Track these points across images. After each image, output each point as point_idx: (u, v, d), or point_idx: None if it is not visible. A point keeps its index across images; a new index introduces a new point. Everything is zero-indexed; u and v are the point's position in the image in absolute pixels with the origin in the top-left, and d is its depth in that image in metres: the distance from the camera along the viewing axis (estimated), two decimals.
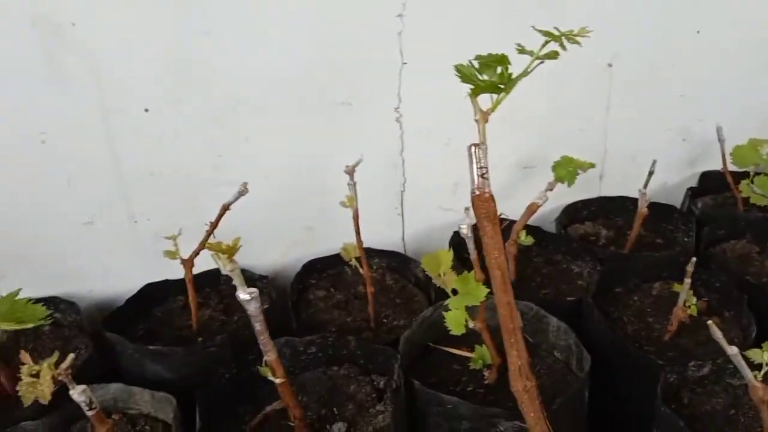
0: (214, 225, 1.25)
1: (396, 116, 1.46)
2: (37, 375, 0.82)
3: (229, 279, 1.48)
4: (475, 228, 1.11)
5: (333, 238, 1.54)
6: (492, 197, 0.80)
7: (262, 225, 1.46)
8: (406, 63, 1.41)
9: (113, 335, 1.24)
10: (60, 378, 0.83)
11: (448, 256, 1.12)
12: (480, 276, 1.11)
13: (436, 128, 1.50)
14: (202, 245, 1.30)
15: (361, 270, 1.34)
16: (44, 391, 0.81)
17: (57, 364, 0.84)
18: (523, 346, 0.79)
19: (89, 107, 1.25)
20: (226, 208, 1.22)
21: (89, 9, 1.18)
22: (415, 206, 1.58)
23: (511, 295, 0.77)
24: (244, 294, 0.98)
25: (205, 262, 1.30)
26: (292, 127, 1.40)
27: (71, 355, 0.84)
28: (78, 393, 0.87)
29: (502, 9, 1.41)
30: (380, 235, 1.59)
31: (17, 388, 0.82)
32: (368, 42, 1.37)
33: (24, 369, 0.82)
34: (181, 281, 1.42)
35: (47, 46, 1.19)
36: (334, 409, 1.16)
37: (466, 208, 1.11)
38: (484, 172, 0.81)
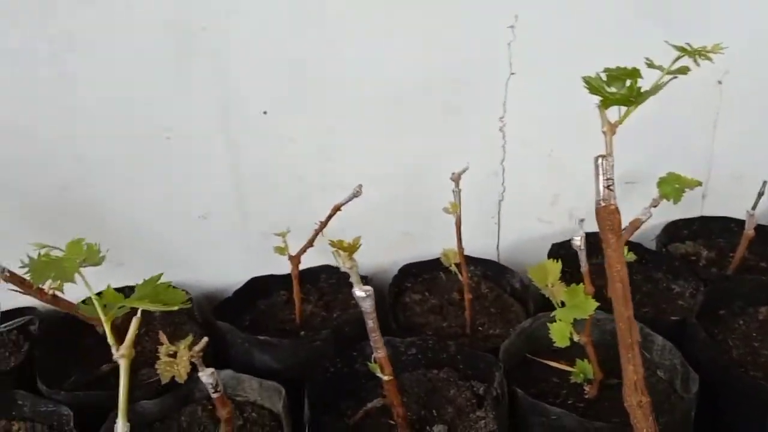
0: (323, 224, 1.30)
1: (500, 125, 1.47)
2: (173, 355, 0.88)
3: (328, 277, 1.55)
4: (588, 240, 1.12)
5: (428, 244, 1.57)
6: (617, 209, 0.80)
7: (362, 227, 1.49)
8: (513, 73, 1.42)
9: (224, 324, 1.30)
10: (192, 360, 0.89)
11: (556, 267, 1.12)
12: (590, 289, 1.11)
13: (539, 139, 1.50)
14: (310, 243, 1.35)
15: (460, 276, 1.36)
16: (180, 370, 0.86)
17: (191, 347, 0.89)
18: (639, 361, 0.79)
19: (213, 108, 1.32)
20: (337, 209, 1.26)
21: (218, 14, 1.25)
22: (512, 216, 1.59)
23: (631, 310, 0.77)
24: (360, 291, 1.01)
25: (307, 260, 1.36)
26: (399, 133, 1.44)
27: (205, 339, 0.90)
28: (207, 375, 0.93)
29: (613, 24, 1.40)
30: (474, 243, 1.59)
31: (156, 367, 0.87)
32: (478, 51, 1.39)
33: (162, 349, 0.88)
34: (285, 276, 1.48)
35: (178, 49, 1.26)
36: (434, 411, 1.18)
37: (581, 220, 1.12)
38: (610, 183, 0.81)
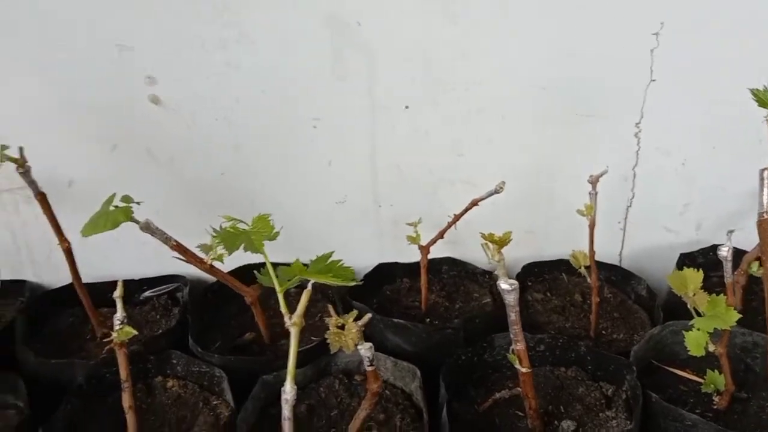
0: (457, 217, 1.35)
1: (635, 131, 1.47)
2: (341, 327, 0.95)
3: (449, 269, 1.59)
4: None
5: (548, 244, 1.60)
6: None
7: (487, 222, 1.53)
8: (654, 80, 1.42)
9: (360, 304, 1.37)
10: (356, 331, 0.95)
11: (696, 276, 1.12)
12: (732, 300, 1.11)
13: (674, 148, 1.49)
14: (441, 235, 1.40)
15: (588, 279, 1.38)
16: (348, 341, 0.93)
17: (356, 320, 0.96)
18: None
19: (359, 100, 1.39)
20: (475, 203, 1.31)
21: (373, 10, 1.32)
22: (638, 223, 1.58)
23: None
24: (505, 284, 1.06)
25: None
26: (532, 133, 1.46)
27: (368, 315, 0.96)
28: (366, 349, 0.99)
29: (758, 41, 1.37)
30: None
31: (326, 337, 0.95)
32: (619, 57, 1.39)
33: (332, 321, 0.95)
34: (409, 265, 1.55)
35: (334, 43, 1.34)
36: (561, 407, 1.21)
37: (730, 231, 1.12)
38: None
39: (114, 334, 1.05)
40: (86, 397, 1.21)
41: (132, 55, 1.31)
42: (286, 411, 0.94)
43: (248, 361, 1.28)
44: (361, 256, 1.57)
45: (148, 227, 1.12)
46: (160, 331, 1.39)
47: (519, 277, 1.54)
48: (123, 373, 1.08)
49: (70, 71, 1.31)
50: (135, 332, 1.05)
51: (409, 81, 1.39)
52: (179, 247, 1.18)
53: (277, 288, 0.96)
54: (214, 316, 1.46)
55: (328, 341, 0.96)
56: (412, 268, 1.55)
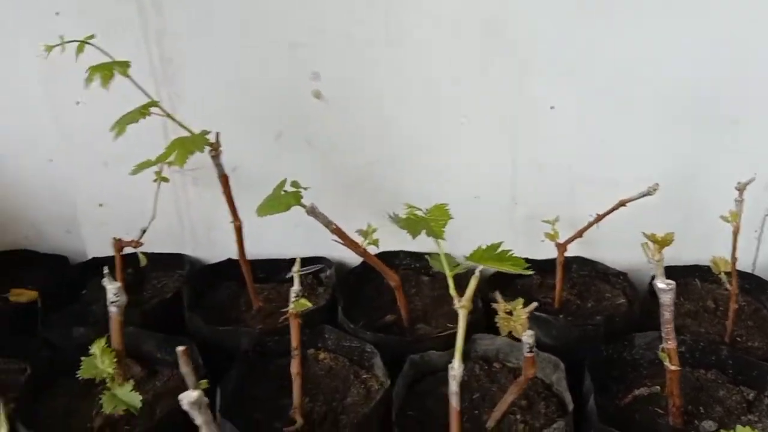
0: (601, 216, 1.39)
1: None
2: (510, 313, 1.02)
3: (578, 268, 1.63)
4: None
5: (685, 250, 1.60)
6: None
7: (618, 223, 1.56)
8: None
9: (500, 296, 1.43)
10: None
11: None
12: None
13: None
14: (580, 233, 1.45)
15: (728, 285, 1.38)
16: (517, 327, 1.00)
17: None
18: None
19: (507, 98, 1.45)
20: (623, 204, 1.34)
21: (523, 13, 1.37)
22: None
23: None
24: (662, 284, 1.10)
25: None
26: (676, 135, 1.48)
27: (534, 303, 1.02)
28: (527, 336, 1.05)
29: None
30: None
31: (495, 321, 1.02)
32: None
33: (500, 307, 1.02)
34: (539, 261, 1.59)
35: (486, 46, 1.40)
36: (701, 408, 1.23)
37: None
38: None
39: (291, 306, 1.16)
40: (252, 363, 1.32)
41: (301, 52, 1.42)
42: (454, 386, 1.02)
43: (396, 340, 1.37)
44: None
45: (312, 211, 1.23)
46: (314, 307, 1.49)
47: (651, 279, 1.56)
48: (294, 341, 1.18)
49: (246, 66, 1.44)
50: (310, 305, 1.16)
51: (556, 82, 1.44)
52: (338, 231, 1.27)
53: (447, 273, 1.04)
54: (356, 298, 1.56)
55: (498, 325, 1.03)
56: (541, 265, 1.60)
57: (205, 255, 1.68)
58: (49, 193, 1.67)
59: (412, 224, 1.01)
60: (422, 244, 1.56)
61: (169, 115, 1.16)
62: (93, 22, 1.41)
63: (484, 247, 1.01)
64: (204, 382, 0.76)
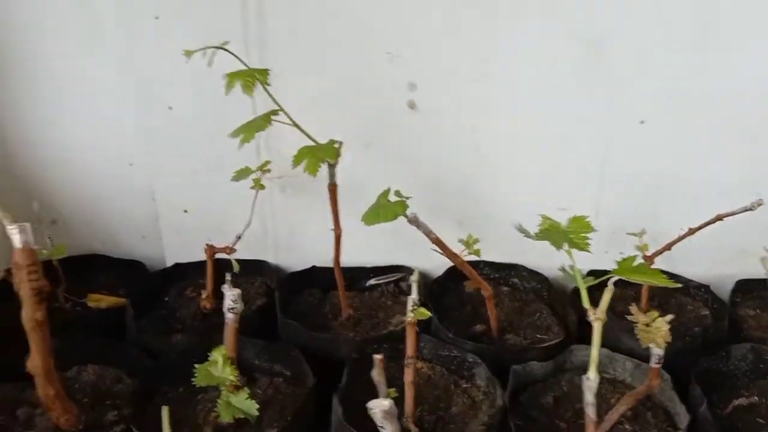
0: (693, 230, 1.41)
1: None
2: (648, 324, 1.03)
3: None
4: None
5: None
6: None
7: (701, 237, 1.59)
8: None
9: (636, 308, 1.44)
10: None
11: None
12: None
13: None
14: (668, 246, 1.46)
15: None
16: (658, 339, 1.01)
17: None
18: None
19: (599, 112, 1.47)
20: (719, 218, 1.36)
21: (626, 36, 1.40)
22: None
23: None
24: None
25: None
26: (760, 155, 1.51)
27: (670, 315, 1.04)
28: (657, 348, 1.07)
29: None
30: None
31: (635, 333, 1.03)
32: None
33: (640, 318, 1.03)
34: None
35: (582, 60, 1.42)
36: None
37: None
38: None
39: (409, 314, 1.17)
40: (355, 369, 1.32)
41: (400, 62, 1.43)
42: (590, 396, 1.03)
43: (496, 350, 1.38)
44: (578, 260, 1.64)
45: (414, 220, 1.24)
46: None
47: (733, 292, 1.59)
48: (410, 349, 1.18)
49: (343, 74, 1.45)
50: (429, 314, 1.17)
51: (649, 96, 1.46)
52: (438, 241, 1.29)
53: (581, 285, 1.05)
54: (441, 307, 1.56)
55: (638, 337, 1.04)
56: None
57: (286, 262, 1.68)
58: (126, 198, 1.66)
59: (554, 236, 1.02)
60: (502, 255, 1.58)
61: (295, 124, 1.16)
62: (193, 26, 1.42)
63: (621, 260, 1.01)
64: (392, 391, 0.76)
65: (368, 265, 1.66)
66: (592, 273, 1.62)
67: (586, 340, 1.40)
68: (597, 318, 1.03)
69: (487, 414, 1.25)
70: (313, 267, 1.64)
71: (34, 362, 1.18)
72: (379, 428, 0.75)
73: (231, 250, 1.45)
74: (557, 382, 1.36)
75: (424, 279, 1.64)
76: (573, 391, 1.34)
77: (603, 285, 1.01)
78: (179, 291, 1.62)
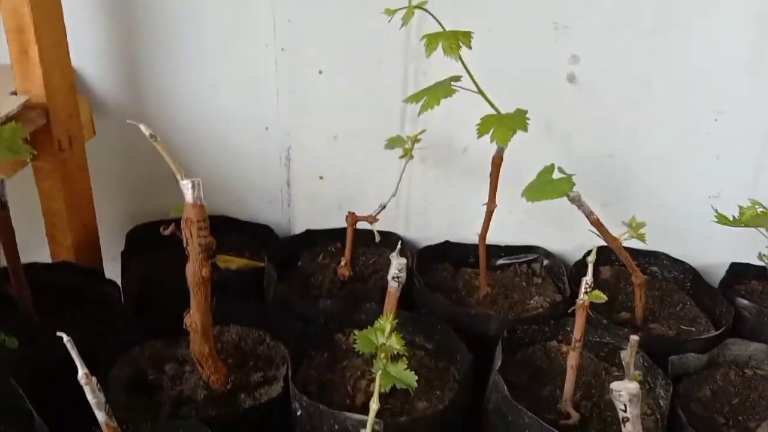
0: None
1: None
2: None
3: None
4: None
5: None
6: None
7: None
8: None
9: (746, 302, 1.39)
10: None
11: None
12: None
13: None
14: None
15: None
16: None
17: None
18: None
19: (764, 95, 1.40)
20: None
21: None
22: None
23: None
24: None
25: None
26: None
27: None
28: None
29: None
30: None
31: None
32: None
33: None
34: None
35: (758, 38, 1.34)
36: None
37: None
38: None
39: (582, 296, 1.13)
40: (509, 349, 1.29)
41: (565, 33, 1.37)
42: None
43: (658, 339, 1.33)
44: (714, 253, 1.58)
45: (576, 199, 1.19)
46: (559, 299, 1.46)
47: None
48: (578, 332, 1.15)
49: (505, 44, 1.39)
50: (605, 297, 1.12)
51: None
52: (597, 223, 1.24)
53: None
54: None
55: None
56: (763, 272, 1.55)
57: (416, 236, 1.65)
58: (258, 162, 1.65)
59: (759, 220, 0.96)
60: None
61: (480, 91, 1.12)
62: None
63: None
64: (638, 375, 0.73)
65: (501, 244, 1.61)
66: (733, 266, 1.57)
67: (740, 334, 1.36)
68: None
69: (646, 403, 1.21)
70: (446, 242, 1.61)
71: (194, 318, 1.18)
72: (619, 411, 0.71)
73: (374, 219, 1.43)
74: (712, 376, 1.31)
75: (558, 261, 1.59)
76: (728, 387, 1.29)
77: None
78: (311, 257, 1.61)
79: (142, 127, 1.01)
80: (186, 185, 1.07)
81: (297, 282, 1.51)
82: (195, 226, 1.11)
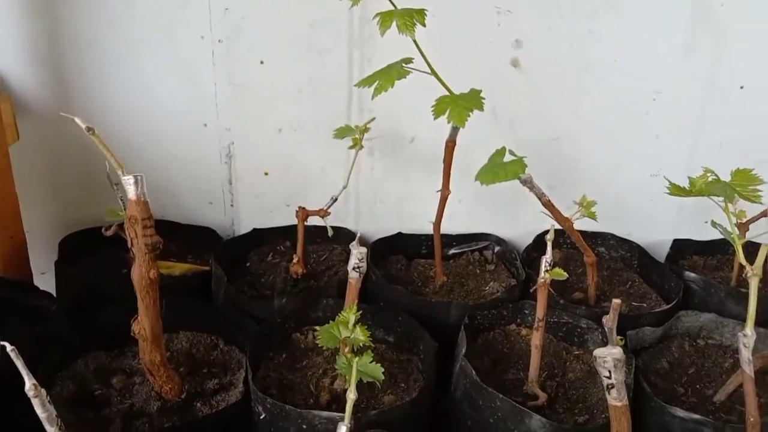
0: None
1: None
2: None
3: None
4: None
5: None
6: None
7: None
8: None
9: (696, 276, 1.43)
10: None
11: None
12: None
13: None
14: (764, 213, 1.45)
15: None
16: None
17: None
18: None
19: (699, 77, 1.45)
20: None
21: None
22: None
23: None
24: None
25: None
26: None
27: None
28: None
29: None
30: None
31: None
32: None
33: None
34: (702, 242, 1.60)
35: (692, 22, 1.39)
36: None
37: None
38: None
39: (543, 275, 1.13)
40: (470, 335, 1.27)
41: (508, 19, 1.38)
42: (746, 354, 1.00)
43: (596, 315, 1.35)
44: (658, 231, 1.63)
45: (528, 181, 1.19)
46: (514, 283, 1.45)
47: None
48: (540, 311, 1.15)
49: (445, 28, 1.38)
50: (566, 275, 1.12)
51: (750, 63, 1.43)
52: (549, 204, 1.24)
53: (736, 241, 1.02)
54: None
55: None
56: (704, 246, 1.61)
57: (368, 229, 1.62)
58: (197, 161, 1.57)
59: (720, 189, 0.98)
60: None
61: (433, 71, 1.09)
62: None
63: None
64: (619, 340, 0.72)
65: (452, 233, 1.60)
66: (676, 242, 1.62)
67: (689, 306, 1.40)
68: (754, 274, 0.99)
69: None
70: (399, 233, 1.59)
71: (143, 324, 1.10)
72: (604, 378, 0.71)
73: (325, 213, 1.39)
74: (668, 348, 1.34)
75: (510, 247, 1.59)
76: (684, 357, 1.32)
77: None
78: (260, 257, 1.54)
79: (78, 120, 0.93)
80: (128, 181, 1.00)
81: (247, 283, 1.44)
82: (140, 225, 1.04)
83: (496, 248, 1.59)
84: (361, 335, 1.07)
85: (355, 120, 1.46)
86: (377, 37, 1.39)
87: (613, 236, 1.62)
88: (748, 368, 1.01)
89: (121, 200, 1.47)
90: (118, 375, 1.21)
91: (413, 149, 1.51)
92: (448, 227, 1.59)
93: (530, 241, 1.59)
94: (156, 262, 1.08)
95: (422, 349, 1.25)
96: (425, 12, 1.00)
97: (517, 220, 1.61)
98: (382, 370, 1.07)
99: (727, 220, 1.01)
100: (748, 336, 0.99)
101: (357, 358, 1.10)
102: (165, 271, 1.51)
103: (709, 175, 1.03)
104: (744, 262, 1.01)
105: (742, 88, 1.46)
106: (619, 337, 0.72)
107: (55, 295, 1.37)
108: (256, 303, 1.33)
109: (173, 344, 1.30)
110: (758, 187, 0.99)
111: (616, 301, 0.70)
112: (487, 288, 1.47)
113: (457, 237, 1.61)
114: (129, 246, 1.05)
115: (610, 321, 0.70)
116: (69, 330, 1.29)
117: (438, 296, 1.44)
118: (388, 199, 1.59)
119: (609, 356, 0.68)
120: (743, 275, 1.16)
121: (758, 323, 1.29)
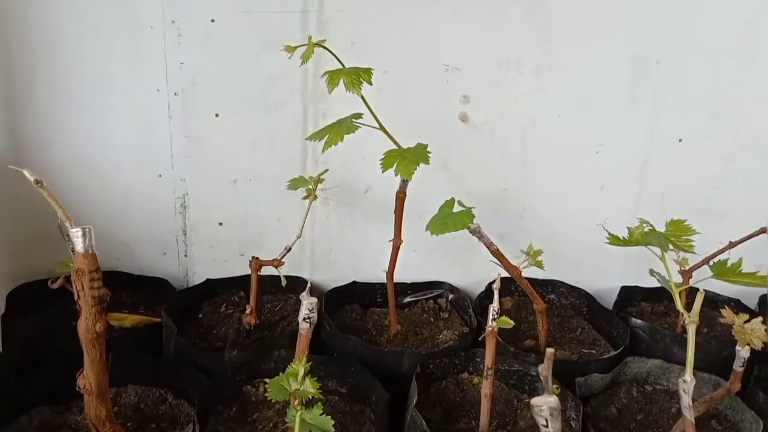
0: (734, 243, 1.45)
1: None
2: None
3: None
4: None
5: None
6: None
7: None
8: None
9: (643, 323, 1.46)
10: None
11: None
12: None
13: None
14: (707, 260, 1.50)
15: None
16: (754, 340, 1.03)
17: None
18: None
19: (640, 130, 1.52)
20: (763, 231, 1.41)
21: (672, 52, 1.46)
22: None
23: None
24: None
25: None
26: None
27: (760, 318, 1.06)
28: (744, 351, 1.08)
29: None
30: None
31: (733, 334, 1.04)
32: None
33: (735, 319, 1.05)
34: (649, 289, 1.64)
35: (632, 78, 1.47)
36: None
37: None
38: None
39: (492, 323, 1.14)
40: (423, 384, 1.28)
41: (456, 76, 1.43)
42: (687, 399, 1.03)
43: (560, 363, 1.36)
44: (606, 278, 1.67)
45: (476, 231, 1.22)
46: (466, 331, 1.47)
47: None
48: (489, 360, 1.16)
49: (396, 86, 1.43)
50: (512, 323, 1.14)
51: (686, 116, 1.51)
52: (498, 253, 1.28)
53: (673, 289, 1.06)
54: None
55: (736, 337, 1.05)
56: (651, 293, 1.65)
57: (323, 278, 1.62)
58: (151, 211, 1.57)
59: (656, 239, 1.02)
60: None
61: (382, 126, 1.13)
62: (246, 34, 1.38)
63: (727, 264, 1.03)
64: (556, 388, 0.74)
65: (407, 281, 1.62)
66: (624, 289, 1.67)
67: (636, 352, 1.43)
68: (691, 321, 1.03)
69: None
70: (354, 282, 1.60)
71: (89, 379, 1.08)
72: (541, 426, 0.72)
73: (279, 263, 1.39)
74: (616, 394, 1.36)
75: (463, 295, 1.61)
76: (632, 403, 1.35)
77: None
78: (213, 308, 1.53)
79: (26, 173, 0.94)
80: (76, 233, 1.00)
81: (199, 334, 1.43)
82: (87, 277, 1.03)
83: (450, 296, 1.61)
84: (310, 387, 1.07)
85: (310, 171, 1.49)
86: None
87: (563, 283, 1.66)
88: (689, 414, 1.04)
89: (72, 252, 1.47)
90: (63, 431, 1.18)
91: (368, 199, 1.54)
92: (403, 275, 1.61)
93: (483, 288, 1.62)
94: (103, 315, 1.07)
95: (374, 399, 1.25)
96: (371, 71, 1.04)
97: (470, 268, 1.63)
98: (333, 422, 1.06)
99: (664, 268, 1.05)
100: (687, 382, 1.02)
101: (306, 411, 1.10)
102: (116, 323, 1.50)
103: (645, 225, 1.07)
104: (682, 309, 1.05)
105: (680, 141, 1.53)
106: (555, 386, 0.74)
107: (0, 349, 1.33)
108: (207, 355, 1.32)
109: (121, 398, 1.27)
110: (691, 238, 1.04)
111: (550, 350, 0.72)
112: (441, 336, 1.48)
113: (411, 285, 1.63)
114: (76, 298, 1.04)
115: (545, 370, 0.72)
116: (13, 385, 1.26)
117: (392, 345, 1.44)
118: (343, 249, 1.60)
119: (545, 405, 0.70)
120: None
121: (703, 368, 1.35)
